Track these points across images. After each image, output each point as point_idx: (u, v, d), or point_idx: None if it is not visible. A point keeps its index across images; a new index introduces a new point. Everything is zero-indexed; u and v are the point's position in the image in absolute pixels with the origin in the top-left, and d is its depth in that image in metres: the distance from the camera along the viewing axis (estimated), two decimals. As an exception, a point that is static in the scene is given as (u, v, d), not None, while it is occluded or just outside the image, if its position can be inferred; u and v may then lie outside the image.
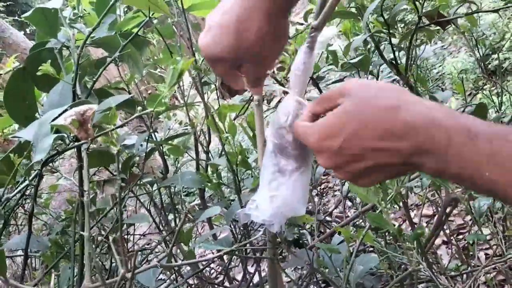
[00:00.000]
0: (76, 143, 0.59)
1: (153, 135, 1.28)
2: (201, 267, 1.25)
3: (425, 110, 0.44)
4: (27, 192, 1.13)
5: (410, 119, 0.43)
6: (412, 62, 1.05)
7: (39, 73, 0.65)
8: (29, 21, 0.82)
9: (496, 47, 1.53)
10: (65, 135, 0.64)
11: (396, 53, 1.06)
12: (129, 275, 0.48)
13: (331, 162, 0.48)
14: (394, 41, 1.15)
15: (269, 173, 0.56)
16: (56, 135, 0.54)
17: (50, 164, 0.97)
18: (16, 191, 0.59)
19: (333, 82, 1.57)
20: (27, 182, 0.59)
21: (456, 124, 0.42)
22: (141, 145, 1.15)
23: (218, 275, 1.68)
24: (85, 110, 0.50)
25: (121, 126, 0.53)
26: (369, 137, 0.45)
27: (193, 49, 1.29)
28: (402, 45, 1.17)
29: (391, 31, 1.04)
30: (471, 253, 1.58)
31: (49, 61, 0.66)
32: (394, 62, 1.02)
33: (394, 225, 0.88)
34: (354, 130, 0.45)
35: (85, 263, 0.58)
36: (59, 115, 0.54)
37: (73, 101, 0.70)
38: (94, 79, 0.77)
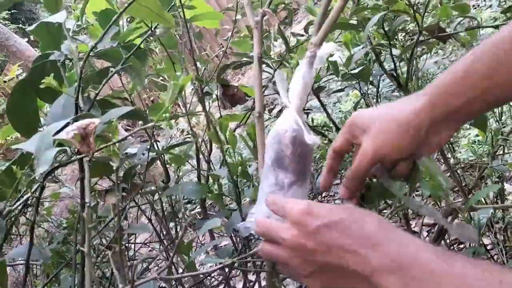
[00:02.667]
0: (78, 156, 0.60)
1: (154, 144, 1.29)
2: (203, 276, 1.25)
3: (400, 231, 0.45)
4: (29, 202, 1.14)
5: (392, 237, 0.44)
6: (412, 73, 1.06)
7: (42, 86, 0.66)
8: (33, 34, 0.83)
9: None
10: (67, 148, 0.65)
11: (397, 64, 1.07)
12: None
13: (299, 240, 0.47)
14: (395, 51, 1.15)
15: (267, 186, 0.57)
16: (58, 148, 0.55)
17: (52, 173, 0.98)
18: (18, 203, 0.59)
19: (333, 92, 1.58)
20: (29, 194, 0.60)
21: (427, 243, 0.44)
22: (143, 154, 1.16)
23: (219, 284, 1.68)
24: (87, 124, 0.50)
25: (123, 139, 0.54)
26: (346, 236, 0.45)
27: (195, 59, 1.30)
28: (402, 56, 1.18)
29: (391, 42, 1.05)
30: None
31: (52, 74, 0.66)
32: (394, 74, 1.03)
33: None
34: (336, 222, 0.46)
35: (86, 277, 0.58)
36: (62, 128, 0.55)
37: (75, 113, 0.71)
38: (97, 92, 0.78)
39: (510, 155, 1.50)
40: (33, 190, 0.60)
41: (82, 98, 0.78)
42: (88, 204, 0.64)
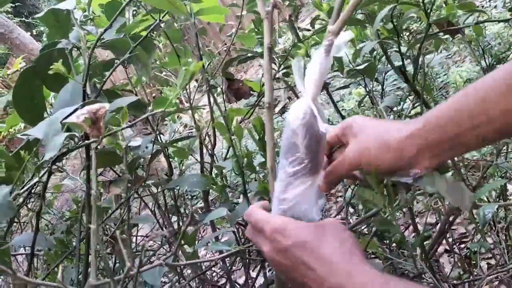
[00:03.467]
0: (86, 141, 0.59)
1: (158, 137, 1.29)
2: (204, 269, 1.25)
3: (355, 259, 0.49)
4: (33, 191, 1.14)
5: (344, 263, 0.48)
6: (419, 70, 1.06)
7: (50, 72, 0.66)
8: (41, 22, 0.83)
9: (501, 57, 1.54)
10: (75, 134, 0.65)
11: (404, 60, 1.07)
12: (134, 271, 0.49)
13: (272, 255, 0.53)
14: (401, 48, 1.15)
15: (281, 174, 0.57)
16: (67, 133, 0.55)
17: (58, 163, 0.98)
18: (26, 187, 0.59)
19: (337, 89, 1.58)
20: (36, 179, 0.60)
21: (378, 273, 0.47)
22: (147, 147, 1.16)
23: (220, 279, 1.68)
24: (98, 108, 0.50)
25: (130, 126, 0.54)
26: (309, 255, 0.50)
27: (200, 53, 1.30)
28: (408, 53, 1.18)
29: (398, 38, 1.05)
30: (473, 262, 1.58)
31: (61, 60, 0.66)
32: (402, 69, 1.03)
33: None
34: (303, 242, 0.51)
35: (91, 259, 0.59)
36: (70, 113, 0.55)
37: (83, 101, 0.71)
38: (104, 79, 0.78)
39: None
40: (40, 175, 0.60)
41: (89, 86, 0.79)
42: (94, 191, 0.64)
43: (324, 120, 0.55)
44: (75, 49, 0.88)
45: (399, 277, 1.21)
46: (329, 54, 0.54)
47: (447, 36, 1.05)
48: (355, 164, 0.57)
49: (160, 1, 0.81)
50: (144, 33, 1.07)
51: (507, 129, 0.49)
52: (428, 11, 0.97)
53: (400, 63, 1.12)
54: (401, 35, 1.15)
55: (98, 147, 0.79)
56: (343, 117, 1.14)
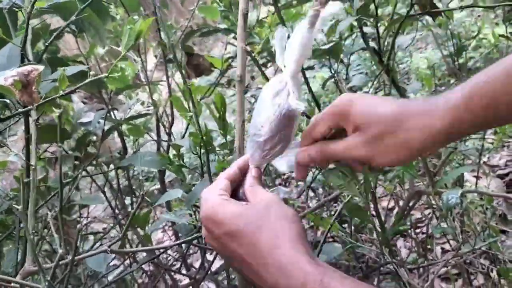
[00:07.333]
0: (21, 110, 0.53)
1: (112, 113, 1.21)
2: (158, 252, 1.20)
3: (292, 252, 0.44)
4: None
5: (279, 259, 0.44)
6: (393, 51, 1.02)
7: (-18, 32, 0.58)
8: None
9: (462, 46, 1.55)
10: (8, 101, 0.57)
11: (373, 42, 1.04)
12: (69, 257, 0.43)
13: (208, 240, 0.50)
14: (369, 30, 1.12)
15: (250, 146, 0.53)
16: (-2, 100, 0.48)
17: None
18: None
19: (303, 69, 1.54)
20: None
21: (314, 270, 0.42)
22: (98, 122, 1.09)
23: (175, 262, 1.64)
24: (30, 70, 0.44)
25: (72, 92, 0.47)
26: (242, 247, 0.46)
27: (158, 25, 1.23)
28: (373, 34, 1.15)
29: (376, 17, 1.01)
30: (428, 246, 1.60)
31: (-5, 19, 0.59)
32: (377, 49, 1.00)
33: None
34: (234, 231, 0.46)
35: (28, 244, 0.52)
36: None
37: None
38: (47, 44, 0.70)
39: (472, 142, 1.52)
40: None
41: (32, 53, 0.71)
42: (34, 167, 0.58)
43: (300, 97, 0.50)
44: (17, 9, 0.79)
45: (357, 260, 1.20)
46: (314, 27, 0.48)
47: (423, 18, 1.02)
48: (361, 160, 0.51)
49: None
50: None
51: None
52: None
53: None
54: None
55: (44, 120, 0.71)
56: (317, 103, 1.08)
